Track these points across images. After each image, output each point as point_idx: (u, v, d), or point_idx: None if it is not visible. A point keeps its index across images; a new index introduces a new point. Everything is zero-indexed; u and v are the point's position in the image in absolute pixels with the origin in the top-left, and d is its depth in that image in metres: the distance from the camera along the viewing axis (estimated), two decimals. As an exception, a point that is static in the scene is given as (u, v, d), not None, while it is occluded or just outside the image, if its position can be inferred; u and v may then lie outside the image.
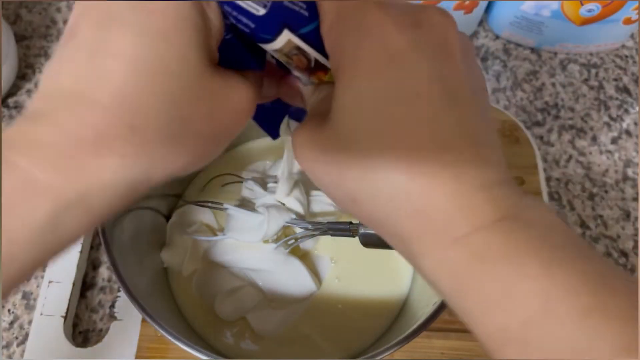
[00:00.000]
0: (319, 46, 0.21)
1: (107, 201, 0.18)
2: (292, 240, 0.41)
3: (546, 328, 0.16)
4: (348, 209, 0.21)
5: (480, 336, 0.18)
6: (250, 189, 0.44)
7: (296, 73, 0.22)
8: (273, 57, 0.23)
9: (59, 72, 0.18)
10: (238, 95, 0.21)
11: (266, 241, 0.40)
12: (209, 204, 0.43)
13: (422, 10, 0.19)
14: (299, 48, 0.20)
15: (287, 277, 0.41)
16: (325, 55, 0.21)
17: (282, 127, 0.31)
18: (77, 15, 0.19)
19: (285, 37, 0.20)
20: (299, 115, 0.30)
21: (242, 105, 0.21)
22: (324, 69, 0.22)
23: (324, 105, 0.22)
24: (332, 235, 0.37)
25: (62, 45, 0.19)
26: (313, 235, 0.40)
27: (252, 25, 0.19)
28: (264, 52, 0.23)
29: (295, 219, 0.40)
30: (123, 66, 0.17)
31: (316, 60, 0.21)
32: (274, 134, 0.31)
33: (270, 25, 0.19)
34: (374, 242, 0.33)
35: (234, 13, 0.19)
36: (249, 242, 0.40)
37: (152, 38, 0.18)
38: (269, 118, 0.30)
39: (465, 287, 0.18)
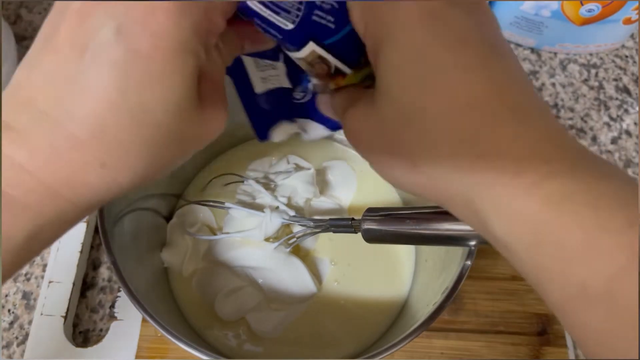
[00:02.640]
0: (341, 54, 0.22)
1: (80, 214, 0.20)
2: (294, 239, 0.41)
3: (636, 283, 0.15)
4: (406, 178, 0.20)
5: (556, 298, 0.16)
6: (251, 188, 0.44)
7: (314, 80, 0.24)
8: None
9: (33, 82, 0.17)
10: (213, 125, 0.21)
11: (267, 239, 0.41)
12: (210, 203, 0.43)
13: None
14: (321, 57, 0.22)
15: (288, 276, 0.41)
16: (346, 63, 0.22)
17: (278, 133, 0.30)
18: (57, 13, 0.17)
19: (310, 48, 0.21)
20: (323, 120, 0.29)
21: (214, 132, 0.22)
22: (342, 74, 0.23)
23: (351, 99, 0.22)
24: (334, 232, 0.37)
25: (38, 49, 0.18)
26: (314, 233, 0.40)
27: (280, 37, 0.20)
28: None
29: (296, 216, 0.41)
30: (102, 104, 0.17)
31: (336, 67, 0.23)
32: (262, 135, 0.30)
33: (297, 38, 0.21)
34: (376, 237, 0.33)
35: (263, 25, 0.20)
36: (250, 240, 0.41)
37: (136, 79, 0.17)
38: (262, 117, 0.29)
39: (545, 238, 0.16)
